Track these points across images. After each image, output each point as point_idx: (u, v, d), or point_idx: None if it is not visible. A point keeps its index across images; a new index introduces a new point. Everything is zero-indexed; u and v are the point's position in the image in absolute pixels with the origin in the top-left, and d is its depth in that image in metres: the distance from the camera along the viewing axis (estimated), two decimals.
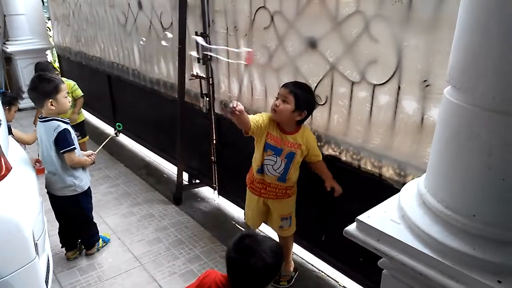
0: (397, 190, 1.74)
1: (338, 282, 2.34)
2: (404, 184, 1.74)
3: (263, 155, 2.11)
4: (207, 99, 2.93)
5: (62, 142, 2.20)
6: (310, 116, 2.07)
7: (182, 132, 3.12)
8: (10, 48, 5.55)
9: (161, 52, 3.39)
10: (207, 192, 3.37)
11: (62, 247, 2.55)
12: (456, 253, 0.90)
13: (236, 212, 3.09)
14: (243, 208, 2.97)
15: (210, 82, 2.86)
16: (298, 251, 2.58)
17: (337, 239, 2.18)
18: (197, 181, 3.42)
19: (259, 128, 2.03)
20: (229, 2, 2.49)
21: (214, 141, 3.03)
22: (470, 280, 0.87)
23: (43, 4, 6.12)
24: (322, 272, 2.43)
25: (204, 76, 2.88)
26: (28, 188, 1.92)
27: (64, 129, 2.21)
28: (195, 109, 3.10)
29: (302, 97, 1.94)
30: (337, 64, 1.93)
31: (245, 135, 2.07)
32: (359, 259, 2.08)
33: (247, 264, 1.30)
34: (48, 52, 6.06)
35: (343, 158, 2.06)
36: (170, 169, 3.81)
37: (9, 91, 5.83)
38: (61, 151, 2.21)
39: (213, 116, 2.96)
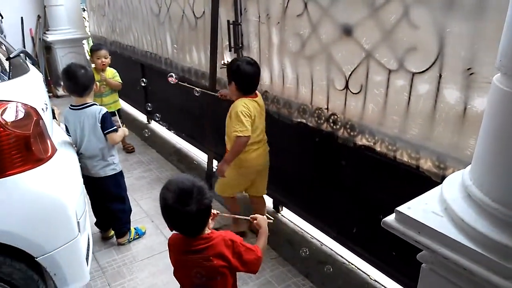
0: (435, 183, 1.69)
1: (369, 276, 2.30)
2: (443, 177, 1.69)
3: None
4: None
5: (107, 123, 2.33)
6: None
7: (212, 120, 3.14)
8: (50, 37, 5.77)
9: (193, 41, 3.41)
10: None
11: (100, 229, 2.67)
12: (504, 248, 0.86)
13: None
14: (271, 196, 2.98)
15: None
16: (328, 243, 2.56)
17: (370, 232, 2.16)
18: None
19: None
20: None
21: None
22: None
23: None
24: (352, 265, 2.40)
25: None
26: (71, 169, 2.00)
27: (106, 111, 2.35)
28: (226, 98, 3.10)
29: (228, 73, 2.38)
30: (373, 52, 1.87)
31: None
32: (391, 253, 2.04)
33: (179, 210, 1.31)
34: (84, 41, 6.24)
35: (378, 148, 2.00)
36: (200, 156, 3.87)
37: (49, 78, 6.07)
38: (105, 132, 2.33)
39: None
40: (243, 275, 2.28)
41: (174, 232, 1.47)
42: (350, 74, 2.02)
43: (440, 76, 1.61)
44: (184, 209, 1.30)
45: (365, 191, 2.17)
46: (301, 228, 2.76)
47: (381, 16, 1.78)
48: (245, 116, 2.23)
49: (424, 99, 1.70)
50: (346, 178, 2.25)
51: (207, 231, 1.42)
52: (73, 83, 2.27)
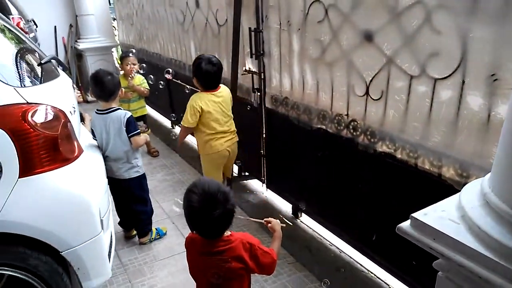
0: (457, 191, 1.65)
1: (388, 285, 2.26)
2: (466, 185, 1.64)
3: None
4: (258, 93, 2.96)
5: (132, 126, 2.41)
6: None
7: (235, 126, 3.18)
8: (81, 45, 6.01)
9: (215, 48, 3.48)
10: (256, 185, 3.41)
11: (123, 228, 2.75)
12: None
13: (283, 205, 3.10)
14: (290, 202, 2.98)
15: (262, 77, 2.89)
16: (347, 250, 2.53)
17: (390, 240, 2.12)
18: (247, 173, 3.47)
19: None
20: None
21: (264, 135, 3.05)
22: None
23: (110, 4, 6.54)
24: (371, 273, 2.36)
25: (256, 71, 2.91)
26: (96, 169, 2.09)
27: (131, 115, 2.43)
28: (247, 104, 3.14)
29: (192, 68, 2.63)
30: (394, 57, 1.85)
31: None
32: (411, 262, 2.00)
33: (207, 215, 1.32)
34: (113, 49, 6.46)
35: (399, 155, 1.97)
36: None
37: (80, 85, 6.31)
38: (129, 135, 2.40)
39: (263, 111, 2.98)
40: (259, 278, 2.29)
41: (190, 233, 1.50)
42: (371, 80, 2.01)
43: (463, 82, 1.58)
44: (209, 214, 1.31)
45: (385, 199, 2.14)
46: (320, 235, 2.74)
47: (403, 21, 1.76)
48: (192, 110, 2.55)
49: (447, 105, 1.67)
50: (366, 185, 2.23)
51: (227, 232, 1.45)
52: (99, 88, 2.37)
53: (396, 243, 2.01)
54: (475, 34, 1.49)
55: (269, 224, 1.61)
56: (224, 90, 2.69)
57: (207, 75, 2.55)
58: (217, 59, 2.62)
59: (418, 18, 1.69)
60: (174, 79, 3.43)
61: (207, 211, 1.32)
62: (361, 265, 2.43)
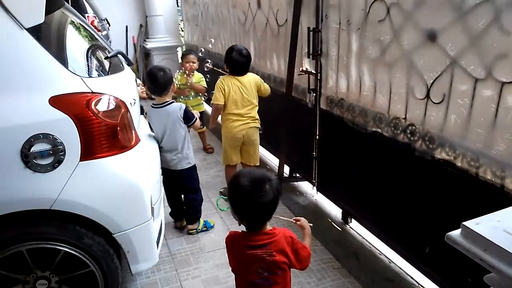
0: None
1: None
2: None
3: None
4: (314, 94, 2.93)
5: (189, 116, 2.57)
6: None
7: (287, 126, 3.19)
8: (149, 44, 6.39)
9: (274, 48, 3.50)
10: (306, 187, 3.38)
11: (173, 218, 2.88)
12: None
13: (333, 210, 3.04)
14: (341, 206, 2.90)
15: (318, 78, 2.85)
16: (397, 260, 2.41)
17: (444, 253, 1.98)
18: (297, 175, 3.44)
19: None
20: None
21: (317, 137, 3.01)
22: None
23: (178, 6, 6.88)
24: (421, 286, 2.22)
25: (313, 71, 2.88)
26: (151, 159, 2.20)
27: (186, 106, 2.59)
28: (301, 104, 3.12)
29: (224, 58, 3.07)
30: (458, 59, 1.73)
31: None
32: (466, 279, 1.85)
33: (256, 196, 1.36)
34: (178, 49, 6.78)
35: (459, 164, 1.84)
36: (272, 160, 3.93)
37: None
38: (189, 124, 2.58)
39: (318, 112, 2.94)
40: (302, 280, 2.27)
41: (231, 230, 1.56)
42: (432, 83, 1.90)
43: None
44: (259, 193, 1.36)
45: (441, 209, 2.01)
46: (369, 242, 2.65)
47: (469, 21, 1.65)
48: (218, 89, 2.97)
49: None
50: (422, 194, 2.11)
51: (268, 226, 1.46)
52: (152, 83, 2.51)
53: (451, 257, 1.87)
54: None
55: (298, 222, 1.62)
56: (249, 77, 3.03)
57: (235, 63, 2.97)
58: (247, 51, 3.02)
59: (486, 18, 1.56)
60: (214, 68, 3.76)
61: (257, 190, 1.36)
62: (411, 277, 2.30)
